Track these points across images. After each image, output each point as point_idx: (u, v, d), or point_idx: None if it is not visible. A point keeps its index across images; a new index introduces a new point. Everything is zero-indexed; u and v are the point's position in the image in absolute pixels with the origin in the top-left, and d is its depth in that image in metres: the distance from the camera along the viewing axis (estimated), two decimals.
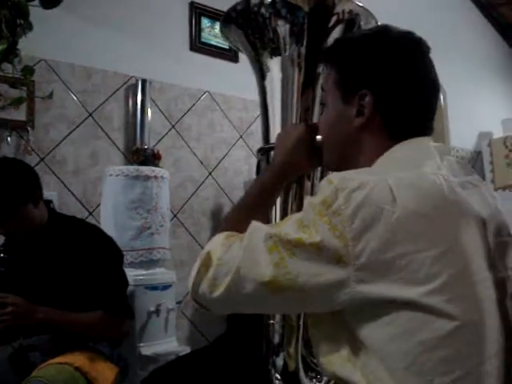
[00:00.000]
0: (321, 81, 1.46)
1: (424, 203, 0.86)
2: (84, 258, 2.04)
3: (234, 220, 1.13)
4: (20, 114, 2.61)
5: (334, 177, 0.90)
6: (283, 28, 1.43)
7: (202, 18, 3.48)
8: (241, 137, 3.58)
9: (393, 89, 1.02)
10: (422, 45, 1.06)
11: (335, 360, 0.93)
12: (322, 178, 1.43)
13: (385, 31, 1.06)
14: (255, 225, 0.97)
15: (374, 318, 0.86)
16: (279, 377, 1.43)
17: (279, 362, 1.44)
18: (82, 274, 2.02)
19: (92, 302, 2.02)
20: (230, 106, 3.56)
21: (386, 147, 1.00)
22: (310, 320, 1.02)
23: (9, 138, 2.61)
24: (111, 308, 2.04)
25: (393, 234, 0.83)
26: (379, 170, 0.97)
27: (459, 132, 4.89)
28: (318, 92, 1.47)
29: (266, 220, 1.22)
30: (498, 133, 5.40)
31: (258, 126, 1.63)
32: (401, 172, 0.92)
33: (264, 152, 1.51)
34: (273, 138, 1.48)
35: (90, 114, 2.94)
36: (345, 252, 0.84)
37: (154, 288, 2.64)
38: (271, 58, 1.48)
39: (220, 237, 1.02)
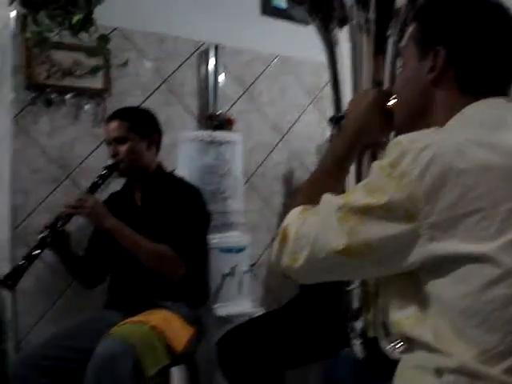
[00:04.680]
0: (390, 45, 1.44)
1: (494, 160, 0.84)
2: (172, 209, 2.19)
3: (309, 192, 1.15)
4: (97, 82, 2.68)
5: (401, 138, 0.91)
6: None
7: None
8: (312, 101, 3.55)
9: (469, 46, 1.01)
10: (508, 13, 1.03)
11: (405, 320, 0.94)
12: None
13: None
14: (326, 197, 1.00)
15: (446, 276, 0.86)
16: (360, 341, 1.44)
17: (358, 327, 1.45)
18: (168, 221, 2.15)
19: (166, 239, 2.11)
20: (301, 70, 3.51)
21: (459, 105, 0.99)
22: (380, 281, 1.04)
23: (86, 106, 2.70)
24: (178, 246, 2.11)
25: (462, 191, 0.83)
26: (449, 130, 0.96)
27: None
28: (389, 57, 1.45)
29: (342, 188, 1.24)
30: None
31: (329, 90, 1.61)
32: (471, 131, 0.91)
33: (336, 121, 1.50)
34: (344, 107, 1.48)
35: (164, 81, 2.99)
36: (415, 211, 0.85)
37: (229, 250, 2.71)
38: (339, 26, 1.47)
39: (296, 211, 1.06)
